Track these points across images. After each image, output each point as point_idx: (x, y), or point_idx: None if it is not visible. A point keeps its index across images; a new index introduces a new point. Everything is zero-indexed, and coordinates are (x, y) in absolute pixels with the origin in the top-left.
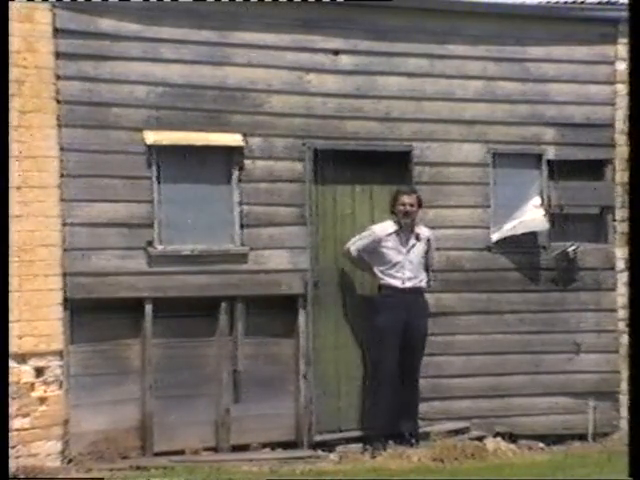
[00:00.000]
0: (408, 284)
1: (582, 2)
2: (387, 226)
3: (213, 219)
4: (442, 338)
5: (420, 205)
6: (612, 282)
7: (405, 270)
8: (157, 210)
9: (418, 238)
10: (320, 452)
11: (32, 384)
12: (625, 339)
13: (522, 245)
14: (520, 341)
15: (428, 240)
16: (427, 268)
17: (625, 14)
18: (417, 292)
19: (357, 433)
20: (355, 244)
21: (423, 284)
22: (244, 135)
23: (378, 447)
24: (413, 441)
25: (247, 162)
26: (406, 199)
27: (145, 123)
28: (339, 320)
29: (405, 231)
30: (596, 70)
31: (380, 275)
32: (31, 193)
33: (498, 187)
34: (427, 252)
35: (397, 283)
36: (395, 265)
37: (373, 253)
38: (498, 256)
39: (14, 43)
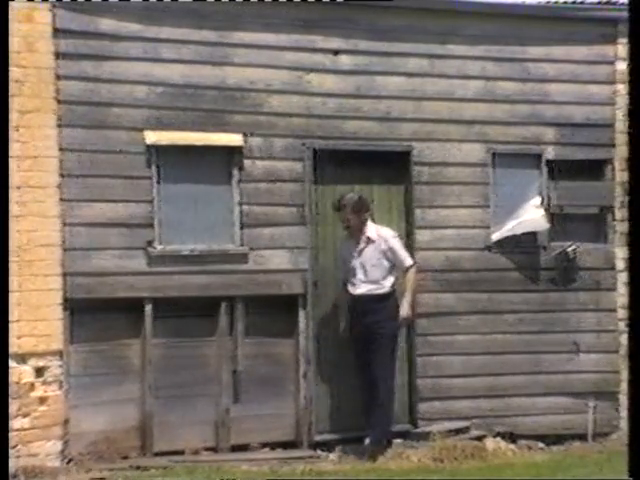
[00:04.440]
0: (359, 290)
1: (582, 2)
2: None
3: (213, 219)
4: (442, 338)
5: (360, 209)
6: (612, 282)
7: (358, 275)
8: (157, 210)
9: (369, 241)
10: (320, 452)
11: (32, 384)
12: (625, 339)
13: (522, 245)
14: (520, 341)
15: (386, 241)
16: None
17: (625, 14)
18: (371, 298)
19: (357, 433)
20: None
21: (381, 291)
22: (244, 135)
23: (346, 450)
24: (372, 449)
25: (247, 162)
26: (343, 213)
27: (145, 123)
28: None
29: (355, 235)
30: (596, 70)
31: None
32: (31, 193)
33: (498, 187)
34: (385, 254)
35: (351, 289)
36: (350, 270)
37: (346, 267)
38: (498, 256)
39: (14, 43)
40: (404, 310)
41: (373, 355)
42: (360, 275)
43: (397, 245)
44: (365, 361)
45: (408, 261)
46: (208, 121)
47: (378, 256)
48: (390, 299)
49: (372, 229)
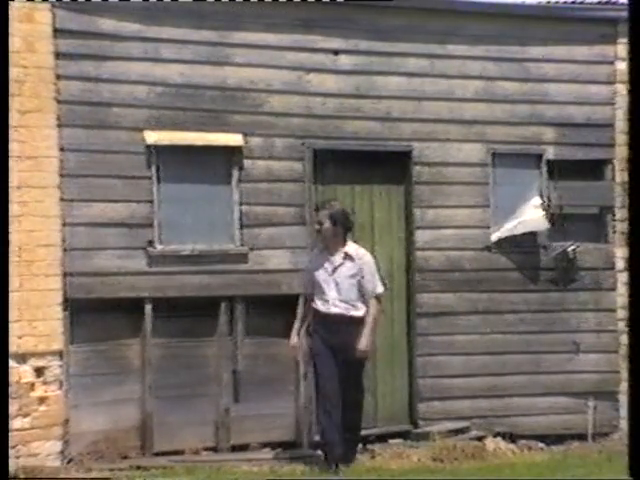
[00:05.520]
0: (334, 309)
1: (582, 2)
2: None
3: (213, 219)
4: (442, 338)
5: (336, 221)
6: (612, 282)
7: (332, 291)
8: (157, 210)
9: (347, 257)
10: (320, 452)
11: (32, 384)
12: (625, 339)
13: (522, 245)
14: (520, 341)
15: (365, 262)
16: (364, 294)
17: (625, 14)
18: (346, 319)
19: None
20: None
21: (356, 313)
22: (244, 135)
23: (326, 467)
24: (334, 467)
25: (247, 162)
26: (319, 215)
27: (145, 123)
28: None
29: (329, 248)
30: (596, 70)
31: (314, 299)
32: (31, 193)
33: (498, 187)
34: (360, 275)
35: (323, 307)
36: (322, 285)
37: (312, 280)
38: (498, 256)
39: (14, 43)
40: (362, 343)
41: (345, 376)
42: (333, 293)
43: (374, 269)
44: (332, 376)
45: (379, 288)
46: (208, 121)
47: (354, 276)
48: (363, 322)
49: (352, 247)
